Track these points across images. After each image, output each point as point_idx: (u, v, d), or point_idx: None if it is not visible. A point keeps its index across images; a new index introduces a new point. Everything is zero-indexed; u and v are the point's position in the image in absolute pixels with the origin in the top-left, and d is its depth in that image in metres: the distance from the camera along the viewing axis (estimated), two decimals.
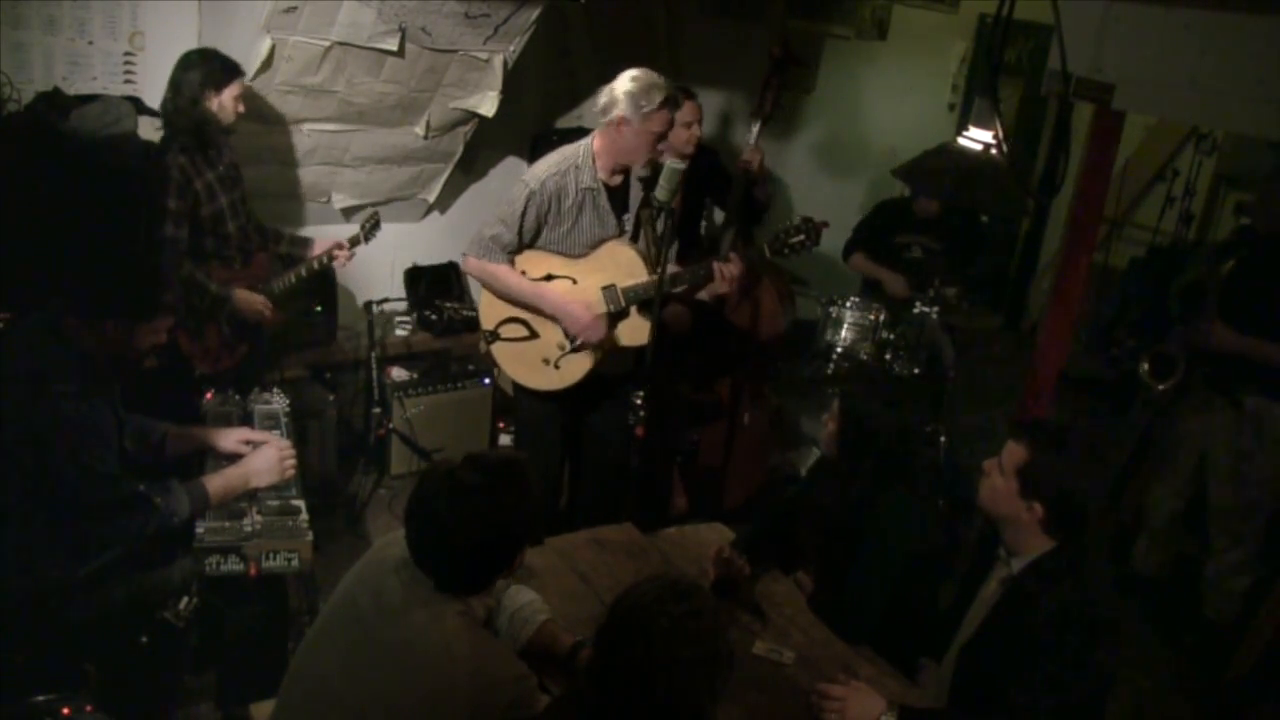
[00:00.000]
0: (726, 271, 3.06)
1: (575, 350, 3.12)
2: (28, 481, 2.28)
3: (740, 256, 3.11)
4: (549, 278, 3.10)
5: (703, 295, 3.19)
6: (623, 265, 3.09)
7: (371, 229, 3.56)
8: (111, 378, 2.47)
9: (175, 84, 3.11)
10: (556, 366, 3.15)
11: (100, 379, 2.40)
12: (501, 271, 3.09)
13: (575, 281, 3.10)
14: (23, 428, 2.25)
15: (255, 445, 2.71)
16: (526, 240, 3.08)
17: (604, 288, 3.08)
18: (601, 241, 3.09)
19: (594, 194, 3.04)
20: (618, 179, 3.09)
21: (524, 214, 3.01)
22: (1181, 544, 3.95)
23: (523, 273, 3.10)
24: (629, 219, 3.13)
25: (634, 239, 3.14)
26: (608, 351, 3.15)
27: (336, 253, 3.48)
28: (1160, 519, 3.91)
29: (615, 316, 3.12)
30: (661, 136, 2.96)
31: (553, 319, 3.10)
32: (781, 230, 3.13)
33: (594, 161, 3.02)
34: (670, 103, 2.93)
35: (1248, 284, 3.42)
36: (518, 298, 3.12)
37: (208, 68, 3.10)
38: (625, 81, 2.92)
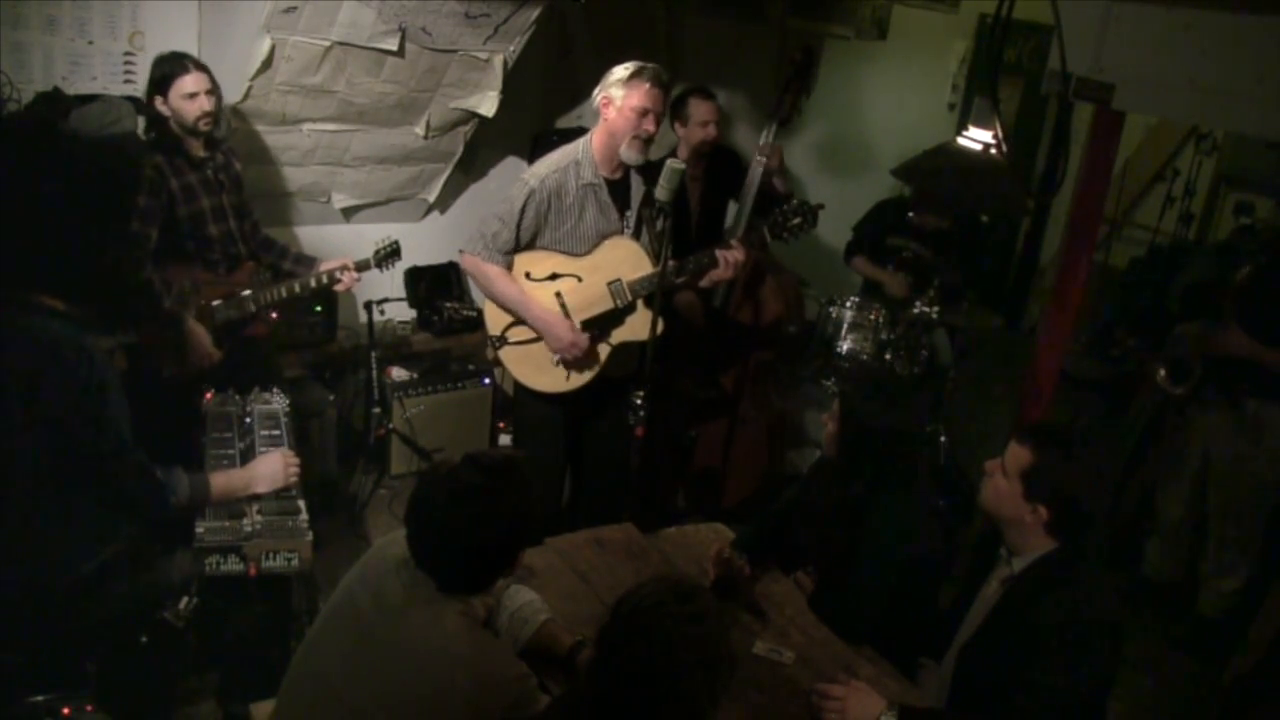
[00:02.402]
0: (730, 257, 3.09)
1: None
2: (50, 449, 2.27)
3: (743, 243, 3.13)
4: (554, 276, 3.09)
5: (704, 282, 3.21)
6: (627, 260, 3.08)
7: (387, 256, 3.51)
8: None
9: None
10: (566, 368, 3.15)
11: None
12: (494, 273, 3.09)
13: (580, 279, 3.09)
14: (68, 384, 2.24)
15: None
16: (525, 240, 3.07)
17: (610, 283, 3.08)
18: (604, 237, 3.09)
19: (595, 189, 3.05)
20: (619, 173, 3.09)
21: (523, 212, 3.02)
22: (1193, 545, 3.95)
23: (527, 273, 3.10)
24: (630, 216, 3.13)
25: (636, 235, 3.14)
26: (616, 348, 3.16)
27: (341, 276, 3.42)
28: (1170, 521, 3.91)
29: (622, 311, 3.12)
30: (644, 112, 2.95)
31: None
32: (779, 214, 3.16)
33: (594, 157, 3.04)
34: (645, 75, 2.93)
35: (1265, 290, 3.41)
36: (504, 303, 3.12)
37: (151, 74, 3.09)
38: (613, 70, 2.98)
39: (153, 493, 2.38)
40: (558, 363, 3.14)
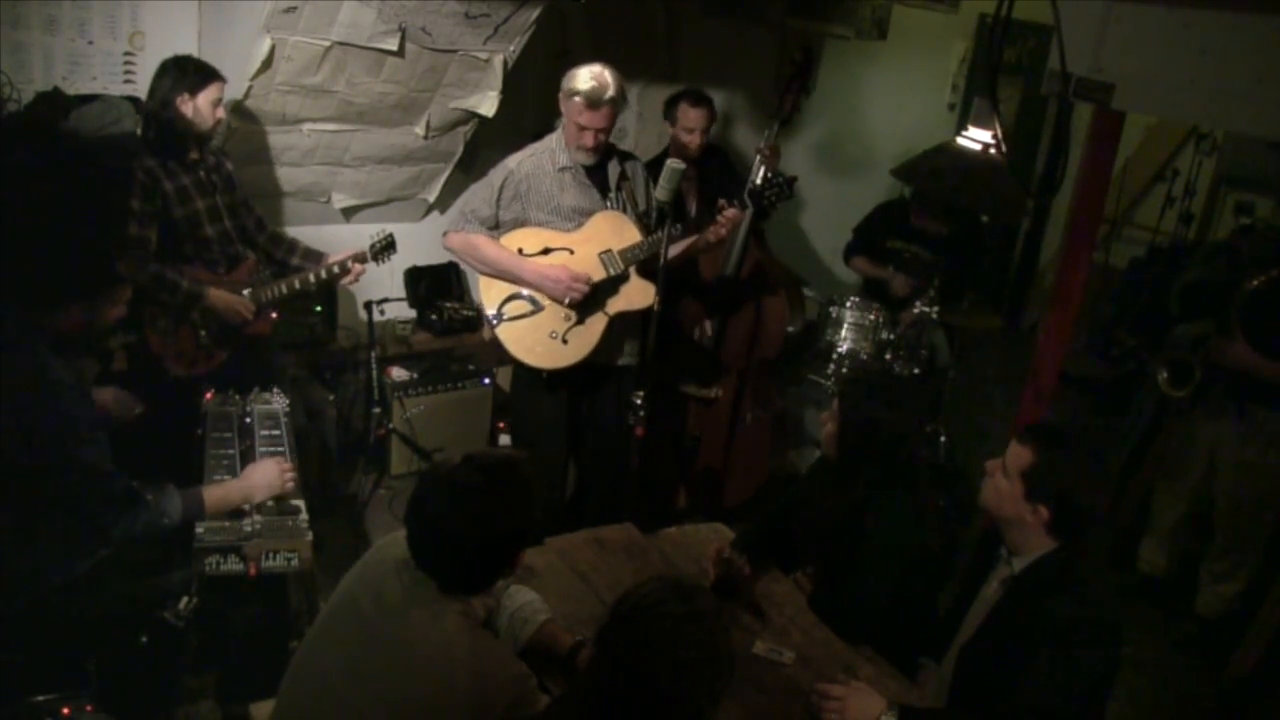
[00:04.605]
0: (726, 217, 3.21)
1: (580, 321, 3.19)
2: (20, 479, 2.27)
3: (737, 208, 3.26)
4: (546, 251, 3.17)
5: (701, 243, 3.31)
6: (615, 230, 3.18)
7: (383, 249, 3.52)
8: (85, 368, 2.49)
9: (151, 89, 3.13)
10: (565, 341, 3.19)
11: (79, 370, 2.41)
12: (481, 241, 3.18)
13: (572, 252, 3.17)
14: (20, 422, 2.25)
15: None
16: (506, 219, 3.18)
17: (601, 253, 3.16)
18: (590, 213, 3.19)
19: (571, 171, 3.17)
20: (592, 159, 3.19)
21: (501, 189, 3.17)
22: (1187, 545, 3.95)
23: (520, 249, 3.17)
24: (613, 197, 3.23)
25: (621, 211, 3.23)
26: (613, 319, 3.21)
27: (353, 267, 3.44)
28: (1167, 522, 3.91)
29: (616, 280, 3.19)
30: (581, 128, 3.07)
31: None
32: (754, 185, 3.30)
33: (565, 144, 3.17)
34: (587, 98, 3.02)
35: (1273, 304, 3.39)
36: (496, 267, 3.19)
37: (181, 72, 3.10)
38: (577, 68, 3.07)
39: (142, 518, 2.37)
40: (562, 336, 3.17)
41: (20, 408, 2.24)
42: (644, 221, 3.22)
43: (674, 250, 3.13)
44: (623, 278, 3.20)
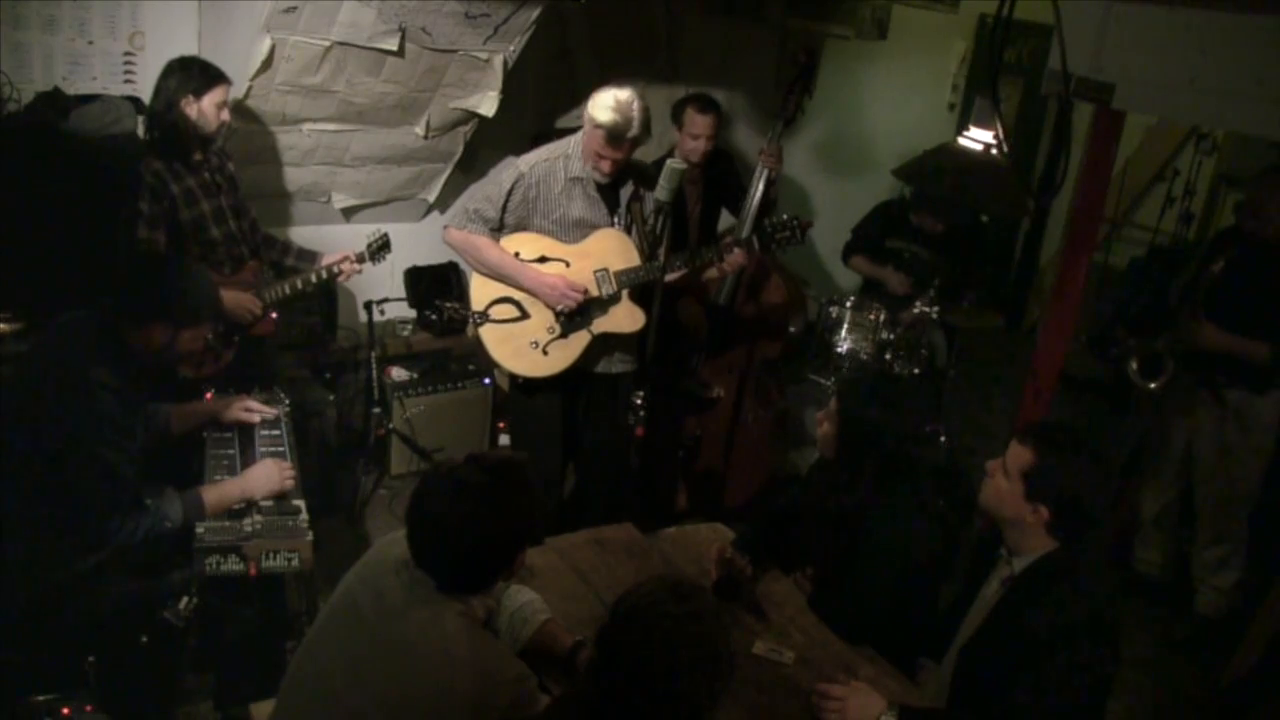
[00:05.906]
0: (730, 262, 3.20)
1: (563, 335, 3.16)
2: (43, 471, 2.28)
3: (744, 248, 3.19)
4: (543, 259, 3.15)
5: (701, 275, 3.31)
6: (615, 250, 3.15)
7: (379, 249, 3.51)
8: (146, 381, 2.51)
9: (156, 89, 3.12)
10: (545, 352, 3.18)
11: (138, 381, 2.42)
12: (484, 243, 3.15)
13: (569, 264, 3.15)
14: (57, 415, 2.26)
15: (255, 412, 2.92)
16: (510, 222, 3.15)
17: (597, 271, 3.14)
18: (594, 228, 3.16)
19: (583, 183, 3.12)
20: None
21: (509, 194, 3.11)
22: (1178, 541, 3.96)
23: (516, 254, 3.15)
24: (621, 213, 3.19)
25: (628, 231, 3.20)
26: (596, 338, 3.19)
27: (344, 266, 3.42)
28: (1151, 516, 3.93)
29: (606, 301, 3.17)
30: (599, 155, 3.01)
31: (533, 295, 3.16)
32: (768, 225, 3.19)
33: (582, 154, 3.11)
34: (607, 129, 2.95)
35: (1235, 284, 3.42)
36: (496, 269, 3.17)
37: (186, 74, 3.08)
38: (606, 91, 2.98)
39: (143, 524, 2.39)
40: (543, 347, 3.16)
41: (58, 394, 2.28)
42: (646, 240, 3.15)
43: (669, 278, 3.09)
44: (614, 299, 3.17)
